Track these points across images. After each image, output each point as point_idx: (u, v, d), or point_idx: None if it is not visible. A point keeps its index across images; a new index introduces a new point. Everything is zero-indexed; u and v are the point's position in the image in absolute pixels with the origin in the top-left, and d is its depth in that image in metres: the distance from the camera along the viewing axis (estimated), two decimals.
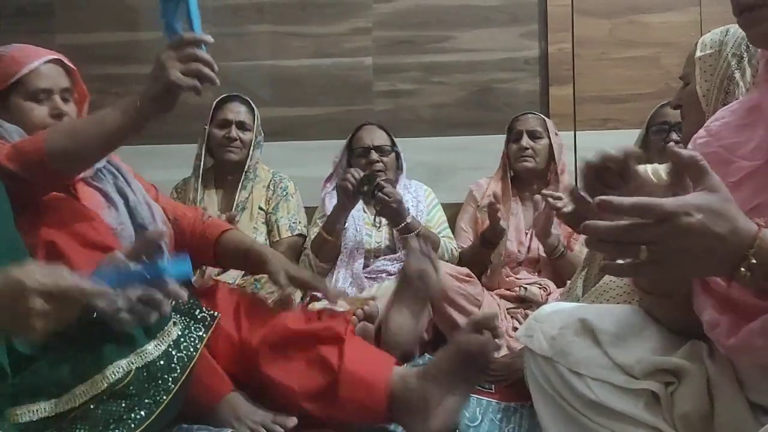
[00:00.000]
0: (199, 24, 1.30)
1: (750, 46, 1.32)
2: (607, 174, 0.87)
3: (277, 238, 2.47)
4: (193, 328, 1.18)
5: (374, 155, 2.48)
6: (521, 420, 1.42)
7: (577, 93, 2.88)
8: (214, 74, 1.26)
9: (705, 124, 1.02)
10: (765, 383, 0.86)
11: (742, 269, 0.72)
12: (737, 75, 1.32)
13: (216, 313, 1.21)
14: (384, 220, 2.38)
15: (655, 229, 0.69)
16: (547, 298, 2.13)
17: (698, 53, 1.39)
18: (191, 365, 1.14)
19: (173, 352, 1.13)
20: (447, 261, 2.32)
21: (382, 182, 2.24)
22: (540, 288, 2.20)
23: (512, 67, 2.94)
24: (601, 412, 0.93)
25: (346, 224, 2.37)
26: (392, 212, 2.26)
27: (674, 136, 2.21)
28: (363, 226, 2.42)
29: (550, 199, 1.78)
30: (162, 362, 1.12)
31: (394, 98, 2.99)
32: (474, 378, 1.29)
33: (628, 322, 0.98)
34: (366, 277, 2.32)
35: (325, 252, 2.35)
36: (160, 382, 1.11)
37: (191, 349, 1.15)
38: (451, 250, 2.41)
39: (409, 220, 2.28)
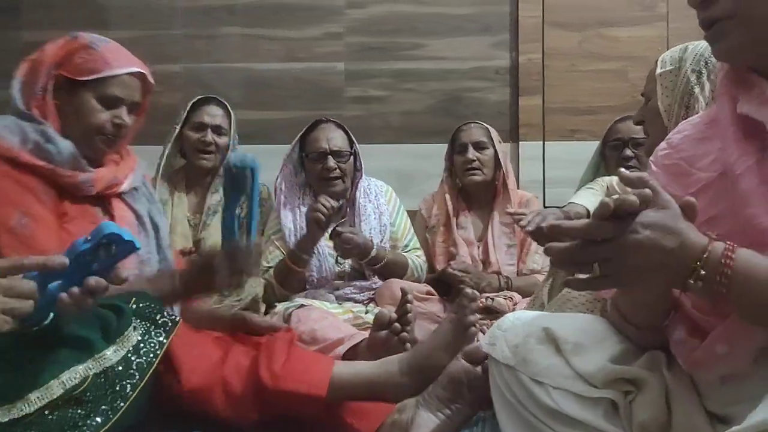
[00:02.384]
0: (256, 225, 1.43)
1: (708, 62, 1.35)
2: None
3: None
4: (153, 333, 1.16)
5: (331, 161, 2.25)
6: (483, 429, 1.42)
7: (546, 104, 2.92)
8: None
9: (667, 137, 1.04)
10: (722, 393, 0.88)
11: (692, 280, 0.75)
12: (696, 90, 1.36)
13: (178, 318, 1.19)
14: (340, 260, 2.27)
15: (603, 247, 0.75)
16: (513, 308, 2.14)
17: (659, 70, 1.42)
18: (150, 371, 1.12)
19: (132, 358, 1.11)
20: (417, 278, 2.30)
21: (339, 228, 2.13)
22: (506, 298, 2.21)
23: (483, 77, 2.96)
24: (562, 421, 0.93)
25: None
26: (355, 255, 2.17)
27: (627, 152, 2.28)
28: (325, 245, 2.25)
29: (520, 221, 1.78)
30: (120, 368, 1.09)
31: (365, 104, 2.99)
32: (466, 407, 1.25)
33: (590, 331, 0.99)
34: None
35: (291, 282, 2.20)
36: (117, 388, 1.08)
37: (151, 355, 1.13)
38: (420, 265, 2.33)
39: (373, 253, 2.18)
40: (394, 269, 2.24)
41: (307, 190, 2.37)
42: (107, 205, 1.49)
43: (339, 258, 2.26)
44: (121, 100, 1.49)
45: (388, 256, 2.23)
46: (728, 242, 0.77)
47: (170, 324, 1.17)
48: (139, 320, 1.17)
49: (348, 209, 2.35)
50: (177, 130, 2.42)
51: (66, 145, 1.42)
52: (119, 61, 1.49)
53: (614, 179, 2.13)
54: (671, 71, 1.42)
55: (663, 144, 1.03)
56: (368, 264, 2.21)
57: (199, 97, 2.50)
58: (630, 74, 2.85)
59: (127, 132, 1.54)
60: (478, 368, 1.24)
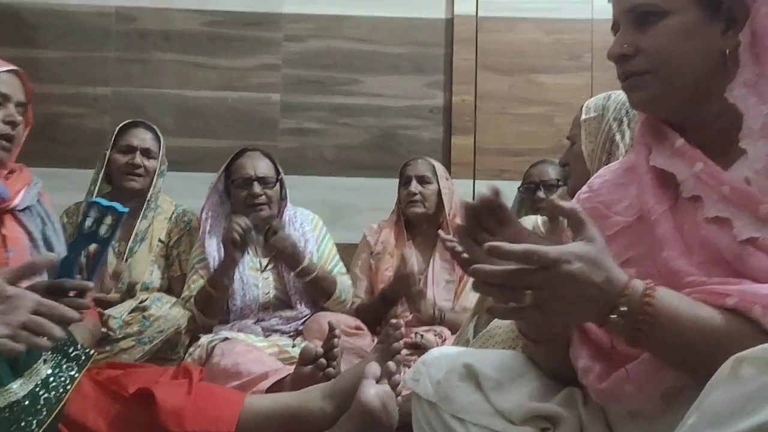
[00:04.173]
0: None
1: (629, 110, 1.42)
2: (485, 217, 0.92)
3: (178, 273, 2.35)
4: (64, 366, 1.10)
5: (257, 187, 2.25)
6: None
7: (477, 144, 3.00)
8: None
9: (588, 181, 1.09)
10: (631, 429, 0.91)
11: (614, 316, 0.76)
12: (617, 137, 1.42)
13: (91, 351, 1.14)
14: (270, 264, 2.25)
15: (538, 274, 0.73)
16: (442, 345, 2.16)
17: (583, 116, 1.48)
18: (59, 407, 1.06)
19: (40, 393, 1.05)
20: (344, 300, 2.29)
21: (275, 225, 2.12)
22: (435, 335, 2.22)
23: (417, 115, 3.02)
24: None
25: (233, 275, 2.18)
26: (287, 257, 2.15)
27: (540, 194, 2.36)
28: (250, 275, 2.23)
29: (447, 243, 1.80)
30: (27, 403, 1.03)
31: (299, 136, 2.99)
32: None
33: (510, 368, 1.00)
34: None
35: (211, 309, 2.15)
36: (23, 424, 1.02)
37: (60, 390, 1.07)
38: (347, 287, 2.33)
39: (305, 263, 2.18)
40: (323, 285, 2.23)
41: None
42: None
43: (269, 263, 2.22)
44: (7, 97, 1.46)
45: (319, 270, 2.22)
46: (648, 281, 0.78)
47: (83, 357, 1.12)
48: (50, 352, 1.11)
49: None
50: (106, 156, 2.35)
51: None
52: None
53: (539, 218, 2.19)
54: (595, 118, 1.48)
55: (584, 188, 1.07)
56: (298, 275, 2.19)
57: (128, 121, 2.44)
58: (556, 119, 2.97)
59: (20, 134, 1.48)
60: (397, 396, 1.23)
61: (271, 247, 2.13)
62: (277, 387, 1.67)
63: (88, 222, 1.06)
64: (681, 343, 0.77)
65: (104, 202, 1.08)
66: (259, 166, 2.29)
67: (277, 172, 2.35)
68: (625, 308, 0.75)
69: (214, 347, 1.90)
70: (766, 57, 0.85)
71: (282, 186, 2.37)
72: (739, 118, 0.86)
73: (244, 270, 2.23)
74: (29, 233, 1.47)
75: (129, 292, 2.21)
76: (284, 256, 2.15)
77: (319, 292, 2.25)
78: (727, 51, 0.88)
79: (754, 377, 0.58)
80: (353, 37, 3.04)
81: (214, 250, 2.25)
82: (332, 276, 2.30)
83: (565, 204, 0.79)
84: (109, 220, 1.13)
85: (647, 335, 0.76)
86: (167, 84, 2.98)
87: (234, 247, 2.07)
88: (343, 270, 2.42)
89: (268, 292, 2.25)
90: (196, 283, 2.23)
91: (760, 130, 0.85)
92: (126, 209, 1.12)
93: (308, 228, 2.39)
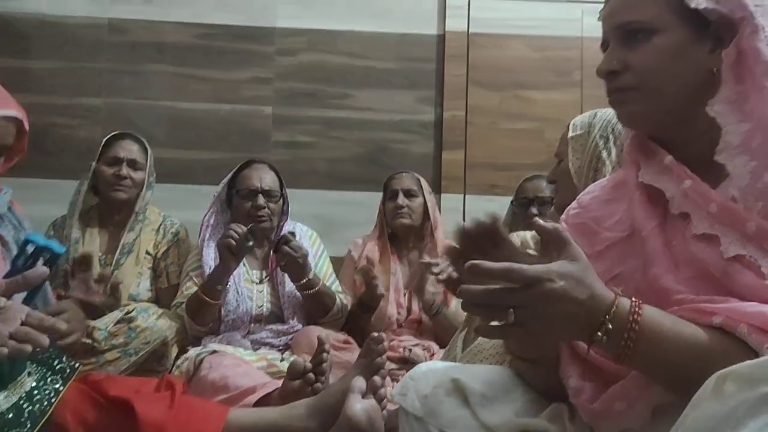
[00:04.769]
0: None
1: (615, 128, 1.44)
2: (480, 239, 0.92)
3: (166, 285, 2.35)
4: (49, 379, 1.09)
5: (261, 200, 2.26)
6: None
7: (468, 158, 3.01)
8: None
9: (578, 197, 1.10)
10: None
11: (599, 334, 0.77)
12: (604, 155, 1.43)
13: (77, 365, 1.13)
14: (266, 276, 2.25)
15: (520, 293, 0.74)
16: (431, 359, 2.15)
17: (570, 133, 1.50)
18: (43, 420, 1.05)
19: (24, 405, 1.04)
20: (340, 318, 2.30)
21: (289, 234, 2.11)
22: (424, 349, 2.22)
23: (408, 129, 3.04)
24: None
25: (228, 283, 2.17)
26: (296, 268, 2.13)
27: (533, 209, 2.38)
28: (244, 286, 2.23)
29: (433, 268, 1.80)
30: (11, 416, 1.02)
31: (291, 149, 3.00)
32: None
33: (497, 384, 1.00)
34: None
35: (202, 315, 2.13)
36: None
37: (45, 403, 1.06)
38: (345, 305, 2.34)
39: (310, 276, 2.16)
40: (324, 300, 2.24)
41: None
42: None
43: (273, 270, 2.21)
44: None
45: (322, 285, 2.22)
46: (634, 299, 0.79)
47: (68, 370, 1.11)
48: (35, 365, 1.10)
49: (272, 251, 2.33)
50: (92, 168, 2.35)
51: None
52: None
53: (528, 234, 2.20)
54: (581, 135, 1.49)
55: (574, 203, 1.08)
56: (302, 287, 2.18)
57: (115, 132, 2.44)
58: (546, 134, 2.98)
59: None
60: (384, 411, 1.23)
61: (282, 256, 2.10)
62: (264, 401, 1.66)
63: (22, 259, 1.01)
64: (666, 361, 0.78)
65: (41, 240, 1.02)
66: (265, 178, 2.30)
67: (281, 186, 2.36)
68: (611, 326, 0.76)
69: (202, 360, 1.89)
70: (749, 76, 0.87)
71: (285, 201, 2.37)
72: None
73: (240, 282, 2.23)
74: (1, 238, 1.44)
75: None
76: (294, 266, 2.13)
77: (319, 306, 2.24)
78: (715, 69, 0.89)
79: (735, 393, 0.58)
80: (345, 51, 3.05)
81: (211, 258, 2.25)
82: (333, 292, 2.30)
83: (548, 224, 0.80)
84: (44, 259, 1.05)
85: (633, 353, 0.77)
86: (159, 96, 2.98)
87: (229, 253, 2.06)
88: (339, 288, 2.42)
89: (262, 305, 2.25)
90: (189, 290, 2.22)
91: (740, 145, 0.86)
92: (63, 250, 1.06)
93: (307, 244, 2.40)
